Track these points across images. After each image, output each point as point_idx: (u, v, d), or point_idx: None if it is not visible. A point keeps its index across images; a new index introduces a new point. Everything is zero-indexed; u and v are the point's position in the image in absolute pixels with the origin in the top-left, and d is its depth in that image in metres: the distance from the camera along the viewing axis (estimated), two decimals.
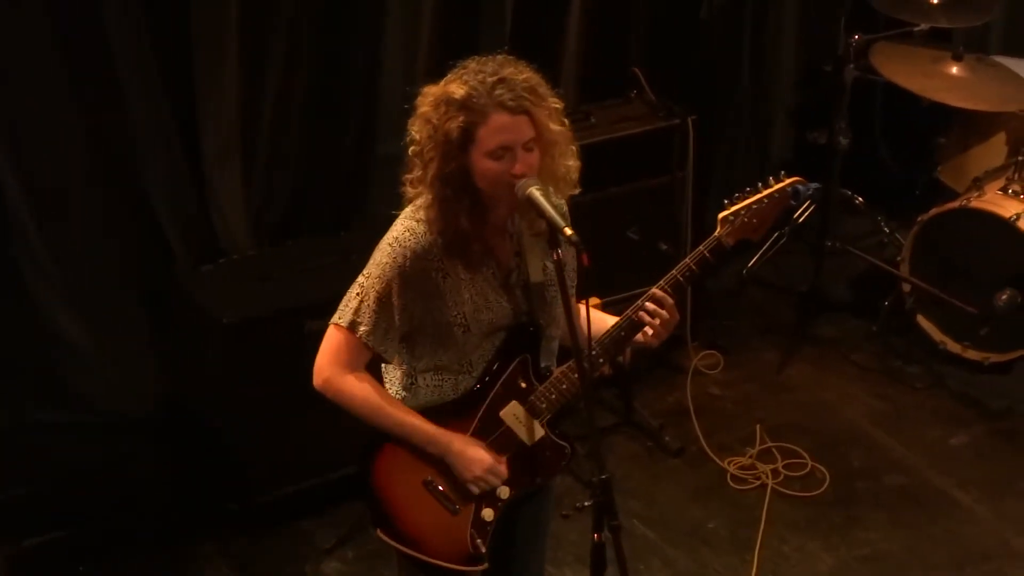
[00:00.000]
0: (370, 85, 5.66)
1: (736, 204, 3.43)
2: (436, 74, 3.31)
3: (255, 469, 5.01)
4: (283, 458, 4.97)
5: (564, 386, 3.43)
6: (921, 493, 5.36)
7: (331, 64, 5.59)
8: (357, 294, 3.35)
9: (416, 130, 3.26)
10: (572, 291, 3.40)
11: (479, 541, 3.45)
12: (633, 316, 3.40)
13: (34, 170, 5.09)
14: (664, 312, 3.39)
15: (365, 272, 3.35)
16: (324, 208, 5.74)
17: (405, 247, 3.28)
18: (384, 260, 3.30)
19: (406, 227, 3.30)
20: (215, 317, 4.85)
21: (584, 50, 6.19)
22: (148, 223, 5.39)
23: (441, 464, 3.43)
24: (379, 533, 3.49)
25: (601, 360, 3.46)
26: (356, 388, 3.39)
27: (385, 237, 3.34)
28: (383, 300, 3.31)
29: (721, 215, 3.43)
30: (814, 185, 3.47)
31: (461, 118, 3.18)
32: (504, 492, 3.48)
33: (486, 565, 3.49)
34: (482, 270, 3.36)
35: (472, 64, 3.25)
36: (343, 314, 3.37)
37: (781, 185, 3.44)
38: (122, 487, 5.22)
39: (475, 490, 3.43)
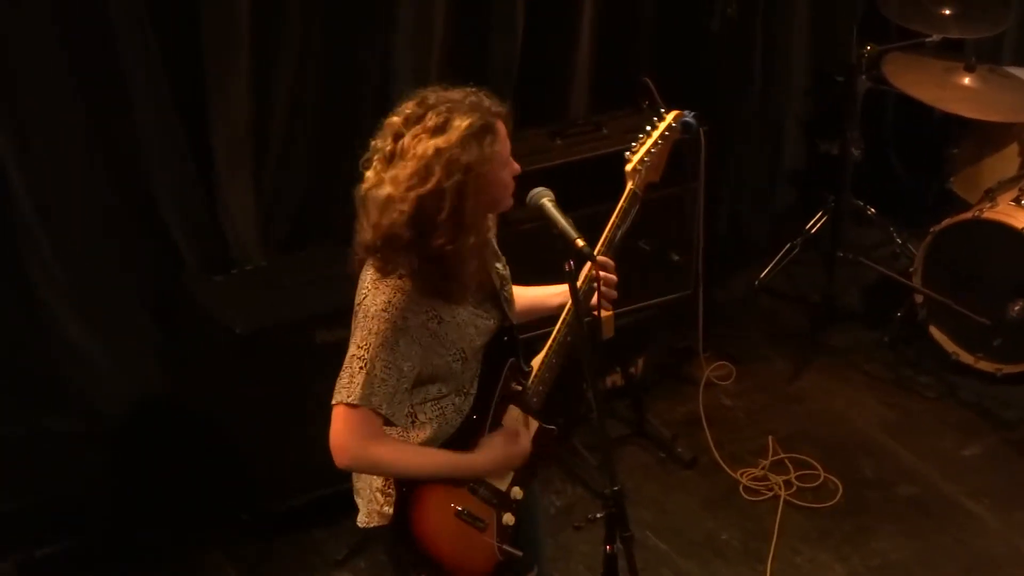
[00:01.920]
0: (381, 93, 5.66)
1: (636, 153, 3.57)
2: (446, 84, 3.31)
3: (266, 478, 5.02)
4: (294, 467, 4.97)
5: (547, 375, 3.49)
6: (933, 503, 5.35)
7: (342, 72, 5.60)
8: (360, 368, 3.25)
9: (443, 186, 3.14)
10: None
11: (505, 547, 3.47)
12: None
13: (43, 180, 5.09)
14: (609, 275, 3.47)
15: (360, 344, 3.26)
16: (335, 217, 5.73)
17: (400, 308, 3.22)
18: (382, 328, 3.22)
19: (393, 287, 3.23)
20: (227, 327, 4.86)
21: (595, 61, 6.19)
22: (158, 232, 5.40)
23: (463, 487, 3.44)
24: None
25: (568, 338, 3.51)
26: (386, 454, 3.34)
27: (370, 306, 3.24)
28: (390, 367, 3.25)
29: (628, 168, 3.55)
30: (692, 112, 3.67)
31: (488, 139, 3.18)
32: (518, 493, 3.51)
33: (535, 570, 3.58)
34: (463, 299, 3.35)
35: (431, 100, 3.22)
36: (351, 392, 3.26)
37: (667, 122, 3.61)
38: (132, 495, 5.22)
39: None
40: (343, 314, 3.42)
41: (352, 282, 3.36)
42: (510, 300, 3.50)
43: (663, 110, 3.63)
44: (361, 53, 5.61)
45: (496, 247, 3.50)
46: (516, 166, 3.29)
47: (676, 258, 5.63)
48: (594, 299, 3.41)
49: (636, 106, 5.87)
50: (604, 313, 3.46)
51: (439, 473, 3.40)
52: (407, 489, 3.41)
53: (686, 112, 3.61)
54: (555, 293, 3.60)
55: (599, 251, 3.46)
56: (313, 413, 3.58)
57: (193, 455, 5.31)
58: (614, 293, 3.49)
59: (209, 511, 5.14)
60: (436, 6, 5.63)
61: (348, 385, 3.27)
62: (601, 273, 3.42)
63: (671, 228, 5.70)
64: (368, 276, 3.29)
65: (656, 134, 3.57)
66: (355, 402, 3.25)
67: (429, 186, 3.14)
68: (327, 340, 4.78)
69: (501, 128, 3.22)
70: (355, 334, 3.28)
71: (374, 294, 3.25)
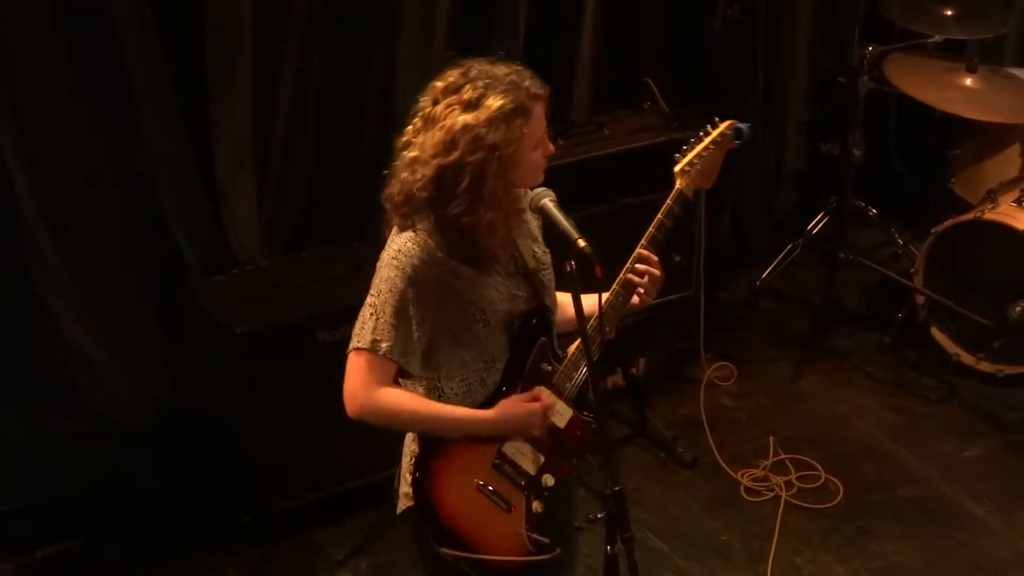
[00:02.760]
0: (383, 96, 5.67)
1: (687, 155, 3.56)
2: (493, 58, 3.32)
3: (267, 479, 5.01)
4: (295, 468, 4.98)
5: (582, 362, 3.45)
6: (934, 505, 5.35)
7: (344, 76, 5.60)
8: (371, 314, 3.31)
9: (468, 160, 3.20)
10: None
11: (535, 535, 3.46)
12: (626, 279, 3.45)
13: (48, 183, 5.10)
14: (652, 269, 3.47)
15: (373, 292, 3.32)
16: (337, 218, 5.74)
17: (412, 256, 3.27)
18: (392, 275, 3.28)
19: (406, 238, 3.28)
20: (228, 327, 4.86)
21: (597, 61, 6.20)
22: (161, 234, 5.40)
23: (488, 465, 3.44)
24: (445, 551, 3.44)
25: (608, 329, 3.47)
26: (395, 400, 3.35)
27: (384, 256, 3.31)
28: (399, 313, 3.29)
29: (677, 168, 3.56)
30: (747, 124, 3.61)
31: (518, 121, 3.21)
32: (549, 480, 3.49)
33: (558, 550, 3.48)
34: (484, 268, 3.36)
35: (473, 73, 3.26)
36: (361, 337, 3.32)
37: (721, 128, 3.58)
38: (134, 497, 5.22)
39: (538, 433, 3.45)
40: (344, 314, 3.43)
41: (355, 272, 3.38)
42: (546, 284, 3.49)
43: (717, 117, 3.62)
44: (364, 55, 5.61)
45: (536, 231, 3.50)
46: (551, 147, 3.33)
47: (678, 259, 5.63)
48: (604, 298, 3.40)
49: (638, 107, 5.88)
50: (606, 295, 3.45)
51: (449, 425, 3.38)
52: (427, 461, 3.42)
53: (742, 123, 3.59)
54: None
55: (641, 246, 3.47)
56: (314, 413, 3.59)
57: (194, 456, 5.31)
58: (650, 287, 3.48)
59: (210, 512, 5.14)
60: (439, 7, 5.63)
61: (359, 332, 3.32)
62: (643, 267, 3.45)
63: (673, 229, 5.68)
64: (391, 234, 3.35)
65: (708, 140, 3.56)
66: (363, 347, 3.31)
67: (452, 158, 3.21)
68: (328, 340, 4.78)
69: (537, 110, 3.25)
70: (372, 284, 3.34)
71: (388, 245, 3.32)
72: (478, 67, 3.27)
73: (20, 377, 5.28)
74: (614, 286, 3.46)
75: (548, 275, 3.51)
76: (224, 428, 5.13)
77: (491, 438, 3.43)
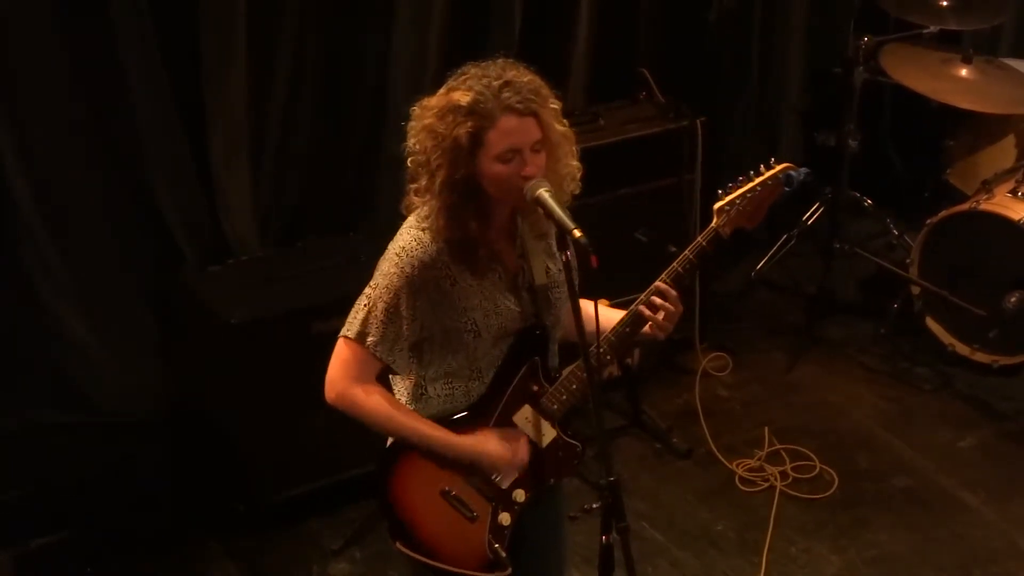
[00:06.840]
0: (378, 86, 5.67)
1: (730, 194, 3.46)
2: (443, 77, 3.30)
3: (262, 470, 5.02)
4: (290, 459, 4.98)
5: (574, 386, 3.43)
6: (929, 495, 5.35)
7: (340, 65, 5.60)
8: (364, 305, 3.32)
9: (419, 141, 3.23)
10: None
11: (497, 546, 3.44)
12: (638, 311, 3.40)
13: (43, 173, 5.10)
14: (668, 305, 3.40)
15: (372, 283, 3.33)
16: (332, 209, 5.74)
17: (412, 256, 3.26)
18: (391, 270, 3.28)
19: (412, 236, 3.28)
20: (222, 317, 4.86)
21: (593, 51, 6.19)
22: (156, 224, 5.40)
23: (458, 472, 3.42)
24: (398, 546, 3.46)
25: (609, 358, 3.45)
26: (370, 401, 3.36)
27: (391, 247, 3.31)
28: (391, 310, 3.29)
29: (716, 205, 3.45)
30: (804, 170, 3.50)
31: (469, 124, 3.16)
32: (520, 495, 3.47)
33: (509, 570, 3.46)
34: (489, 275, 3.35)
35: (473, 70, 3.24)
36: (351, 326, 3.34)
37: (773, 172, 3.48)
38: (129, 488, 5.23)
39: (505, 482, 3.44)
40: (338, 304, 3.43)
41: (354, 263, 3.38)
42: (552, 302, 3.45)
43: (773, 159, 3.52)
44: (359, 47, 5.61)
45: (554, 248, 3.42)
46: (527, 167, 3.22)
47: (673, 250, 5.59)
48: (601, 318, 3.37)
49: (633, 97, 5.87)
50: (601, 302, 3.43)
51: (414, 438, 3.38)
52: (396, 454, 3.42)
53: (799, 168, 3.48)
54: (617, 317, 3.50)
55: (661, 279, 3.41)
56: (309, 404, 3.58)
57: (190, 446, 5.32)
58: (665, 324, 3.41)
59: (206, 502, 5.15)
60: None
61: (351, 320, 3.35)
62: (660, 301, 3.38)
63: (668, 219, 5.70)
64: (405, 222, 3.34)
65: (756, 181, 3.46)
66: (350, 336, 3.33)
67: (415, 127, 3.24)
68: (323, 331, 4.77)
69: (503, 122, 3.18)
70: (374, 272, 3.34)
71: (396, 238, 3.32)
72: (488, 67, 3.24)
73: (15, 367, 5.28)
74: (624, 316, 3.42)
75: (558, 293, 3.46)
76: (219, 418, 5.13)
77: (456, 464, 3.41)
